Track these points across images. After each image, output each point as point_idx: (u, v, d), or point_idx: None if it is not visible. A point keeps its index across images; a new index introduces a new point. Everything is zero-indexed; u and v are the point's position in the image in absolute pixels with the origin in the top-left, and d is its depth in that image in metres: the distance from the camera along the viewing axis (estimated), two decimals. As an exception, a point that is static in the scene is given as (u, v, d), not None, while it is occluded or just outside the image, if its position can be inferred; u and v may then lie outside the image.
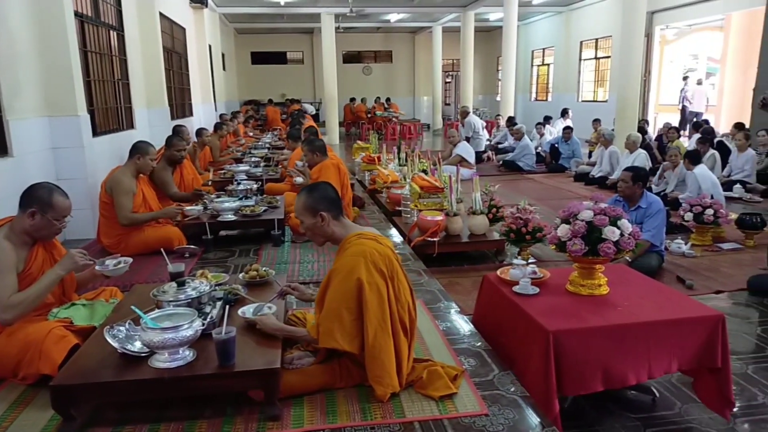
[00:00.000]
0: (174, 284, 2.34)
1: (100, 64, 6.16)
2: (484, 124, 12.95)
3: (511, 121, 12.22)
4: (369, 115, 18.55)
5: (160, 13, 8.45)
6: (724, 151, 8.04)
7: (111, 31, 6.69)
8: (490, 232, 4.92)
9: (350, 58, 22.41)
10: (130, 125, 7.09)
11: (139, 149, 4.34)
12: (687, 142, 9.68)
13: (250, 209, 4.66)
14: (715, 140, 8.34)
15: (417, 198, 5.27)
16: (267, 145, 10.06)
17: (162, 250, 2.84)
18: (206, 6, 12.17)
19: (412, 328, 2.31)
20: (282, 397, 2.13)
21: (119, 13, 6.99)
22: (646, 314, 2.41)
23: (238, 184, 5.27)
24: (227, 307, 2.16)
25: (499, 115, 14.35)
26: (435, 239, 4.61)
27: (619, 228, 2.50)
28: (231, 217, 4.55)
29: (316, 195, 2.27)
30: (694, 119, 12.29)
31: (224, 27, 17.29)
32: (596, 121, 11.58)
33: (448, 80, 23.27)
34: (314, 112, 18.53)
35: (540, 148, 11.04)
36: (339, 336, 2.13)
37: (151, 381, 1.98)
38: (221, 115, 12.03)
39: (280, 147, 9.82)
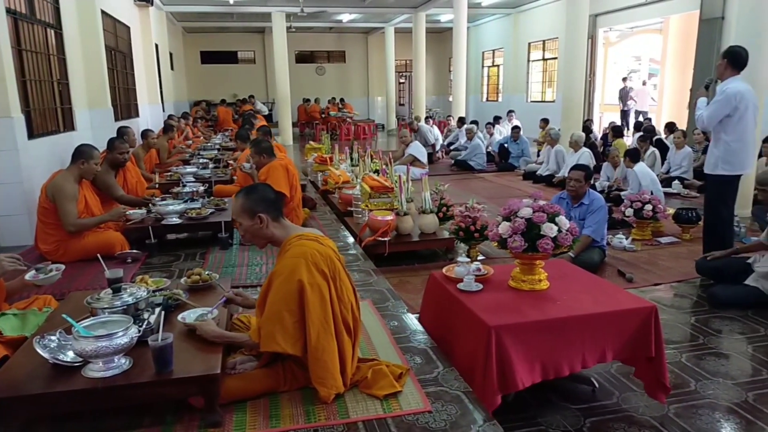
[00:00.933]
0: (110, 290, 2.26)
1: (36, 63, 5.90)
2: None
3: (462, 121, 12.43)
4: (323, 116, 18.46)
5: (102, 11, 8.17)
6: (663, 149, 8.39)
7: (48, 30, 6.42)
8: (440, 231, 4.98)
9: (303, 58, 22.24)
10: (71, 127, 6.82)
11: (83, 153, 4.19)
12: (629, 140, 10.04)
13: (196, 212, 4.56)
14: (654, 138, 8.69)
15: (367, 198, 5.28)
16: (217, 146, 9.87)
17: (99, 255, 2.74)
18: (152, 4, 11.83)
19: (355, 328, 2.31)
20: (224, 403, 2.09)
21: (57, 10, 6.72)
22: (584, 307, 2.49)
23: (184, 186, 5.16)
24: (163, 312, 2.10)
25: (450, 115, 14.55)
26: (386, 239, 4.62)
27: (556, 224, 2.56)
28: (176, 220, 4.44)
29: (253, 196, 2.24)
30: (640, 117, 12.85)
31: (172, 26, 16.87)
32: (543, 121, 11.88)
33: (401, 81, 23.39)
34: (267, 112, 18.27)
35: (490, 148, 11.26)
36: (281, 339, 2.11)
37: (84, 391, 1.91)
38: (169, 116, 11.74)
39: (230, 148, 9.66)
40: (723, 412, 2.54)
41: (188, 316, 2.34)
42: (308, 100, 19.36)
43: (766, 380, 2.82)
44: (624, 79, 14.12)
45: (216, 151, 9.14)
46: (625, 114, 13.71)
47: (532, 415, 2.52)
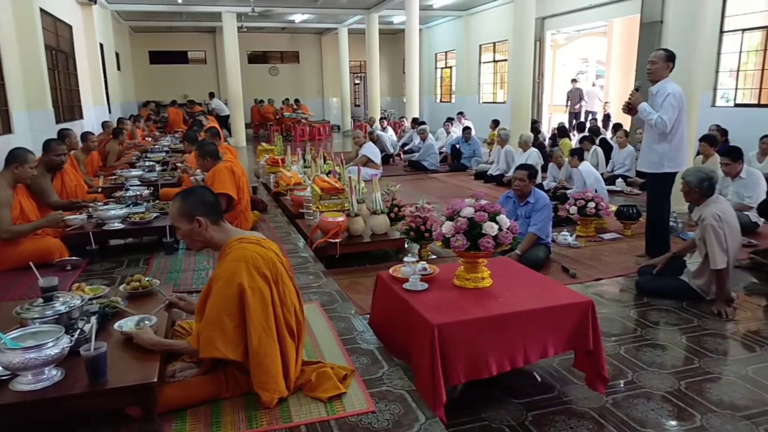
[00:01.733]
0: (41, 300, 2.18)
1: (-33, 63, 5.64)
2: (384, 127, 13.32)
3: (416, 122, 12.53)
4: (277, 117, 18.26)
5: (41, 9, 7.87)
6: (607, 148, 8.67)
7: (-19, 28, 6.15)
8: (392, 231, 5.00)
9: (256, 58, 21.94)
10: (7, 129, 6.55)
11: (16, 157, 4.02)
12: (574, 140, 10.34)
13: (139, 216, 4.44)
14: (597, 138, 8.98)
15: (318, 200, 5.26)
16: (165, 149, 9.63)
17: (31, 263, 2.63)
18: (95, 3, 11.45)
19: (299, 331, 2.30)
20: (164, 412, 2.05)
21: (-10, 8, 6.45)
22: (524, 304, 2.55)
23: (127, 190, 5.01)
24: (96, 321, 2.04)
25: (403, 117, 14.63)
26: (337, 240, 4.61)
27: (497, 223, 2.62)
28: (118, 225, 4.31)
29: (191, 199, 2.20)
30: (590, 117, 13.24)
31: (118, 25, 16.36)
32: (494, 122, 12.09)
33: (356, 82, 23.38)
34: (228, 112, 17.86)
35: (443, 148, 11.39)
36: (221, 344, 2.08)
37: (12, 405, 1.83)
38: (119, 119, 11.38)
39: (180, 150, 9.43)
40: (657, 400, 2.65)
41: (125, 324, 2.27)
42: (261, 101, 19.11)
43: (697, 368, 2.95)
44: (573, 81, 14.49)
45: (164, 153, 8.91)
46: (575, 115, 14.07)
47: (476, 411, 2.56)
